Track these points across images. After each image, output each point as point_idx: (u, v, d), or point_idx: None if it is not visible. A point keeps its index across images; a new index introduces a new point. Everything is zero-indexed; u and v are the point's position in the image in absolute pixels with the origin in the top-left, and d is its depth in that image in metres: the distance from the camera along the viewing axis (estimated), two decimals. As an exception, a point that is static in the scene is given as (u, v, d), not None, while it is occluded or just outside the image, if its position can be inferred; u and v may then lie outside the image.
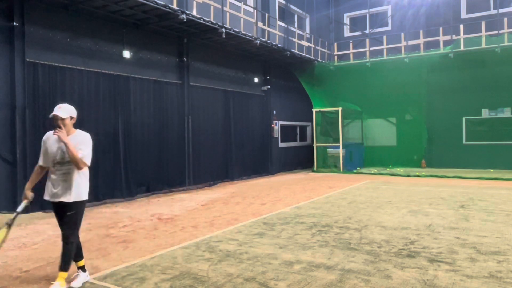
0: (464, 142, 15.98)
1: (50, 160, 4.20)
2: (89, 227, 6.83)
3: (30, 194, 4.23)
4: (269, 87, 15.53)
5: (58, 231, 6.46)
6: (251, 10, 13.47)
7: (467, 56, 15.00)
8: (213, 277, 4.23)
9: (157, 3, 9.19)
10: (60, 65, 8.63)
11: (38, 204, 8.15)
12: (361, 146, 17.63)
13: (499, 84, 15.00)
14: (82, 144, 4.13)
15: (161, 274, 4.35)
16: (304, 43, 16.21)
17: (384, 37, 16.88)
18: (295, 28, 16.38)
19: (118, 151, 9.75)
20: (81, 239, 5.90)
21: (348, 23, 19.71)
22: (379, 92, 16.82)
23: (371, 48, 17.15)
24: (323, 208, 8.21)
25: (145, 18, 9.92)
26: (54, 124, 4.04)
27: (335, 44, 18.58)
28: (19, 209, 4.16)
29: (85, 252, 5.26)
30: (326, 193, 10.38)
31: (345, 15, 19.63)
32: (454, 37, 15.27)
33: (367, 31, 18.27)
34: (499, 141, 15.22)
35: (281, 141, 16.51)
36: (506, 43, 14.17)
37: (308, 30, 18.05)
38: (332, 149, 16.43)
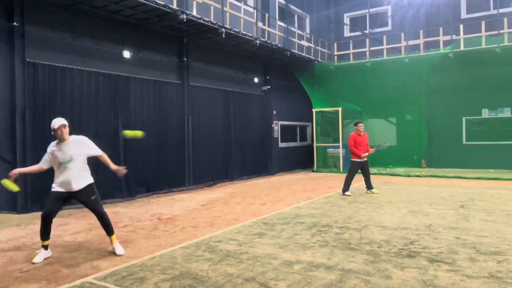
0: (464, 142, 15.98)
1: None
2: (89, 227, 6.83)
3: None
4: (269, 87, 15.52)
5: (58, 231, 6.49)
6: (251, 10, 13.47)
7: (467, 56, 14.99)
8: (213, 277, 4.23)
9: (157, 3, 9.19)
10: (60, 65, 8.64)
11: (38, 204, 8.18)
12: (361, 146, 17.60)
13: (499, 84, 14.99)
14: None
15: (161, 274, 4.35)
16: (304, 43, 16.21)
17: (384, 37, 16.88)
18: (295, 28, 16.37)
19: (118, 151, 9.75)
20: (81, 239, 5.94)
21: (348, 23, 19.71)
22: (379, 92, 16.80)
23: (371, 48, 17.15)
24: (323, 208, 8.22)
25: (145, 18, 9.92)
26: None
27: (335, 44, 18.58)
28: None
29: (85, 252, 5.28)
30: (326, 193, 10.38)
31: (345, 15, 19.62)
32: (454, 37, 15.27)
33: (367, 31, 18.27)
34: (499, 141, 15.22)
35: (281, 141, 16.51)
36: (506, 43, 14.17)
37: (308, 30, 18.04)
38: (332, 149, 16.42)
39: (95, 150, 5.23)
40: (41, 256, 4.98)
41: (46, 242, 5.06)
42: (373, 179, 13.20)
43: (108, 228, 5.25)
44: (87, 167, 5.22)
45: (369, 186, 10.12)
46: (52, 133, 5.06)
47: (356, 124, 10.06)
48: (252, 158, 14.60)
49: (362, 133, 9.98)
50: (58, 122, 4.99)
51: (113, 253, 5.21)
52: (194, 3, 10.94)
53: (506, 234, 5.80)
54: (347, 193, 9.78)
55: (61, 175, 5.00)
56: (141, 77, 10.45)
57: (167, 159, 11.06)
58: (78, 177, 5.04)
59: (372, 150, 10.07)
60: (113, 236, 5.29)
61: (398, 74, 16.25)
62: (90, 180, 5.19)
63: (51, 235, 5.14)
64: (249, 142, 14.43)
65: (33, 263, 4.85)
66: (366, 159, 9.98)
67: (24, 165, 7.95)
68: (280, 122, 16.31)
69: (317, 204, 8.66)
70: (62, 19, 8.82)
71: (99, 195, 5.28)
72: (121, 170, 5.23)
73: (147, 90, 10.59)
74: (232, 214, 7.81)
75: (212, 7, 11.20)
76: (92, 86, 9.25)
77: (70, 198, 5.18)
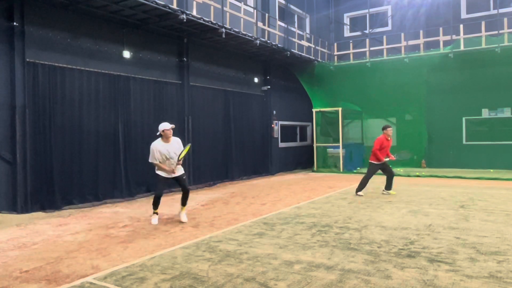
0: (464, 142, 15.97)
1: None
2: (89, 227, 6.84)
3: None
4: (269, 87, 15.52)
5: (58, 231, 6.49)
6: (251, 10, 13.47)
7: (467, 56, 14.99)
8: (213, 277, 4.23)
9: (157, 3, 9.19)
10: (60, 65, 8.64)
11: (38, 204, 8.18)
12: (361, 146, 17.61)
13: (499, 84, 14.99)
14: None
15: (161, 274, 4.35)
16: (304, 43, 16.20)
17: (384, 37, 16.87)
18: (295, 28, 16.37)
19: (118, 151, 9.76)
20: (81, 239, 5.95)
21: (348, 23, 19.71)
22: (379, 92, 16.80)
23: (371, 48, 17.15)
24: (323, 208, 8.22)
25: (145, 18, 9.91)
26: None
27: (335, 44, 18.57)
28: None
29: (85, 252, 5.29)
30: (326, 193, 10.38)
31: (345, 15, 19.62)
32: (454, 37, 15.26)
33: (367, 31, 18.27)
34: (499, 141, 15.22)
35: (281, 141, 16.50)
36: (506, 43, 14.16)
37: (308, 30, 18.04)
38: (332, 149, 16.42)
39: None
40: (156, 219, 6.99)
41: (156, 211, 7.04)
42: (373, 179, 13.22)
43: (185, 201, 7.15)
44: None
45: (388, 187, 9.90)
46: (160, 133, 6.78)
47: (385, 128, 9.73)
48: (252, 158, 14.60)
49: (390, 138, 9.72)
50: (169, 124, 6.81)
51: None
52: (194, 3, 10.94)
53: (506, 234, 5.80)
54: (359, 193, 9.66)
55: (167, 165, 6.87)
56: (141, 77, 10.45)
57: (167, 159, 11.05)
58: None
59: (393, 157, 9.77)
60: (184, 207, 7.16)
61: (398, 74, 16.24)
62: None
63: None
64: (249, 142, 14.42)
65: (152, 224, 6.85)
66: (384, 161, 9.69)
67: (24, 165, 7.99)
68: (280, 122, 16.30)
69: (317, 204, 8.66)
70: (62, 19, 8.82)
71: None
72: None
73: (147, 90, 10.59)
74: (232, 214, 7.81)
75: (212, 7, 11.20)
76: (92, 86, 9.25)
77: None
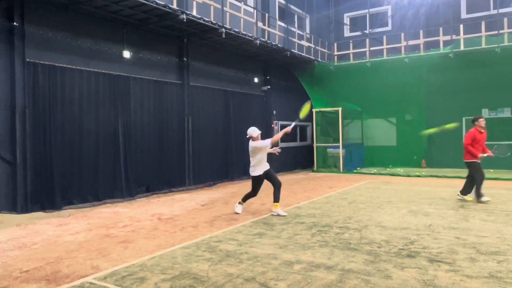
0: (464, 142, 15.94)
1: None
2: (89, 227, 6.84)
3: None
4: (269, 87, 15.52)
5: (58, 231, 6.49)
6: (251, 10, 13.46)
7: (467, 56, 14.98)
8: (213, 277, 4.23)
9: (157, 3, 9.19)
10: (60, 65, 8.64)
11: (38, 204, 8.18)
12: (361, 146, 17.62)
13: (499, 84, 14.97)
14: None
15: (161, 274, 4.35)
16: (304, 43, 16.21)
17: (384, 37, 16.87)
18: (295, 28, 16.37)
19: (118, 151, 9.75)
20: (81, 239, 5.95)
21: (348, 23, 19.71)
22: (379, 92, 16.79)
23: (371, 48, 17.14)
24: (323, 208, 8.21)
25: (145, 18, 9.92)
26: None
27: (335, 44, 18.56)
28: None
29: (85, 252, 5.29)
30: (326, 193, 10.38)
31: (345, 15, 19.62)
32: (454, 37, 15.25)
33: (367, 31, 18.27)
34: (499, 141, 15.18)
35: (281, 141, 16.45)
36: (506, 43, 14.15)
37: (308, 30, 18.04)
38: (332, 149, 16.42)
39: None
40: (240, 208, 7.86)
41: (244, 203, 7.98)
42: (373, 179, 13.23)
43: (276, 198, 7.50)
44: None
45: (469, 190, 8.68)
46: (248, 137, 7.80)
47: (476, 120, 8.58)
48: (252, 158, 14.57)
49: (484, 130, 8.57)
50: (258, 131, 7.83)
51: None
52: (194, 3, 10.94)
53: (506, 234, 5.80)
54: (483, 198, 8.34)
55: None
56: (141, 77, 10.45)
57: (167, 159, 11.06)
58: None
59: (490, 152, 8.58)
60: (276, 204, 7.46)
61: (398, 74, 16.24)
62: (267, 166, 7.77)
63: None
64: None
65: (236, 213, 7.72)
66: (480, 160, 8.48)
67: (24, 165, 8.00)
68: (280, 122, 16.29)
69: (317, 204, 8.66)
70: (62, 19, 8.82)
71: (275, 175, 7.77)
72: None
73: (147, 90, 10.59)
74: (232, 214, 7.81)
75: (212, 7, 11.20)
76: (92, 86, 9.25)
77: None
